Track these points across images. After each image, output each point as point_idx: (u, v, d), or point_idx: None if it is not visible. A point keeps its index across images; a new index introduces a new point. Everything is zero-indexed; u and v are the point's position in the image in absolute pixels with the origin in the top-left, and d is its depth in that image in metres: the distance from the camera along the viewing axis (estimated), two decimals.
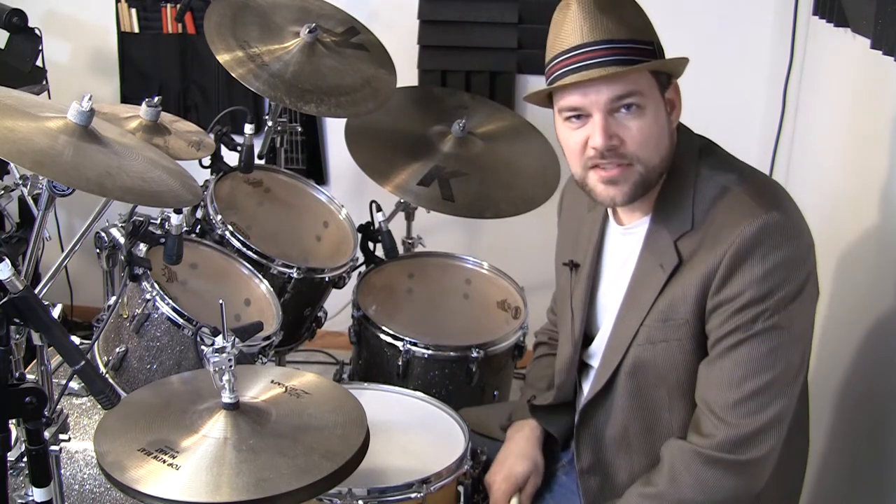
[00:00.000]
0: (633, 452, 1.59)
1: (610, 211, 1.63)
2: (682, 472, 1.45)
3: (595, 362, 1.66)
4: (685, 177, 1.50)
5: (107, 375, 1.91)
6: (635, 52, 1.41)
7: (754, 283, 1.39)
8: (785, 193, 1.50)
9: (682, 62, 1.48)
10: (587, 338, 1.69)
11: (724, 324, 1.42)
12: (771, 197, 1.45)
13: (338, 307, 2.77)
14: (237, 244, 2.24)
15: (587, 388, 1.68)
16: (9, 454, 1.45)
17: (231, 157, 2.42)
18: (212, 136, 2.28)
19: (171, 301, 1.88)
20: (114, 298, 1.86)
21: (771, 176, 2.62)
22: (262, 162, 2.63)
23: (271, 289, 2.17)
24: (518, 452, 1.72)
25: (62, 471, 1.61)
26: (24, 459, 1.44)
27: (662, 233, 1.50)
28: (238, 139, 2.42)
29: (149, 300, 1.88)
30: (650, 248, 1.52)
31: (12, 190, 2.61)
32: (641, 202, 1.53)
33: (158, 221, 1.84)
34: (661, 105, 1.46)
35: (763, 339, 1.40)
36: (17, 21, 2.91)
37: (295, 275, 2.29)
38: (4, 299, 1.32)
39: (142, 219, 1.80)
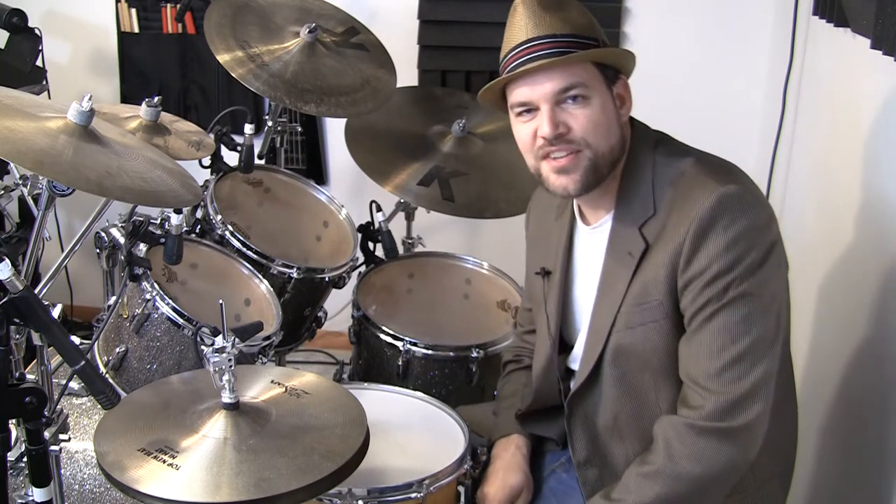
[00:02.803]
0: (626, 438, 1.60)
1: (577, 213, 1.67)
2: (677, 446, 1.46)
3: (576, 365, 1.67)
4: (643, 168, 1.55)
5: (107, 375, 1.91)
6: (577, 45, 1.48)
7: (719, 254, 1.42)
8: (740, 171, 1.54)
9: (625, 54, 1.54)
10: (567, 344, 1.70)
11: (697, 298, 1.45)
12: (726, 173, 1.50)
13: (338, 307, 2.77)
14: (237, 244, 2.24)
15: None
16: (9, 454, 1.45)
17: (231, 157, 2.42)
18: (212, 136, 2.28)
19: (171, 301, 1.88)
20: (114, 298, 1.86)
21: (771, 176, 2.62)
22: (262, 162, 2.64)
23: (271, 289, 2.17)
24: (508, 466, 1.71)
25: (62, 471, 1.62)
26: (24, 459, 1.44)
27: (627, 223, 1.55)
28: (238, 139, 2.42)
29: (149, 300, 1.88)
30: (617, 239, 1.56)
31: (12, 190, 2.62)
32: (603, 198, 1.58)
33: (158, 221, 1.84)
34: (609, 98, 1.52)
35: (736, 307, 1.43)
36: (17, 21, 2.91)
37: (295, 275, 2.29)
38: (4, 299, 1.32)
39: (142, 219, 1.80)
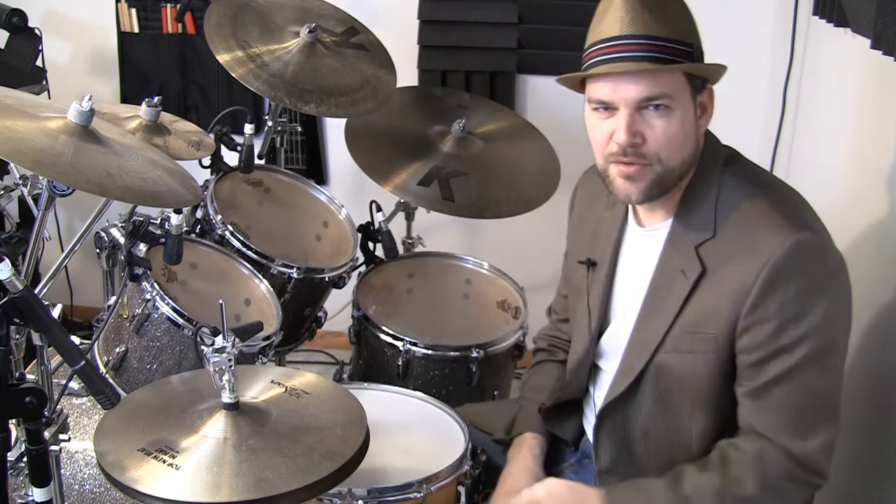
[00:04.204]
0: (651, 453, 1.59)
1: (630, 211, 1.63)
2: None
3: (603, 362, 1.66)
4: (709, 183, 1.50)
5: (107, 375, 1.91)
6: (672, 51, 1.40)
7: (789, 302, 1.39)
8: (810, 208, 1.50)
9: (718, 69, 1.47)
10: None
11: (761, 345, 1.42)
12: (799, 214, 1.45)
13: (338, 307, 2.77)
14: (237, 244, 2.24)
15: (595, 388, 1.69)
16: (9, 454, 1.45)
17: (231, 157, 2.42)
18: (212, 136, 2.28)
19: (171, 301, 1.88)
20: (114, 298, 1.86)
21: None
22: (262, 162, 2.64)
23: (271, 289, 2.17)
24: (519, 470, 1.70)
25: (62, 471, 1.62)
26: (24, 459, 1.44)
27: (683, 238, 1.50)
28: (238, 139, 2.42)
29: (149, 300, 1.88)
30: (671, 252, 1.52)
31: (12, 190, 2.62)
32: (663, 204, 1.53)
33: (158, 221, 1.84)
34: (691, 109, 1.46)
35: (811, 361, 1.40)
36: (17, 21, 2.91)
37: (295, 275, 2.29)
38: (4, 299, 1.32)
39: (142, 219, 1.80)
